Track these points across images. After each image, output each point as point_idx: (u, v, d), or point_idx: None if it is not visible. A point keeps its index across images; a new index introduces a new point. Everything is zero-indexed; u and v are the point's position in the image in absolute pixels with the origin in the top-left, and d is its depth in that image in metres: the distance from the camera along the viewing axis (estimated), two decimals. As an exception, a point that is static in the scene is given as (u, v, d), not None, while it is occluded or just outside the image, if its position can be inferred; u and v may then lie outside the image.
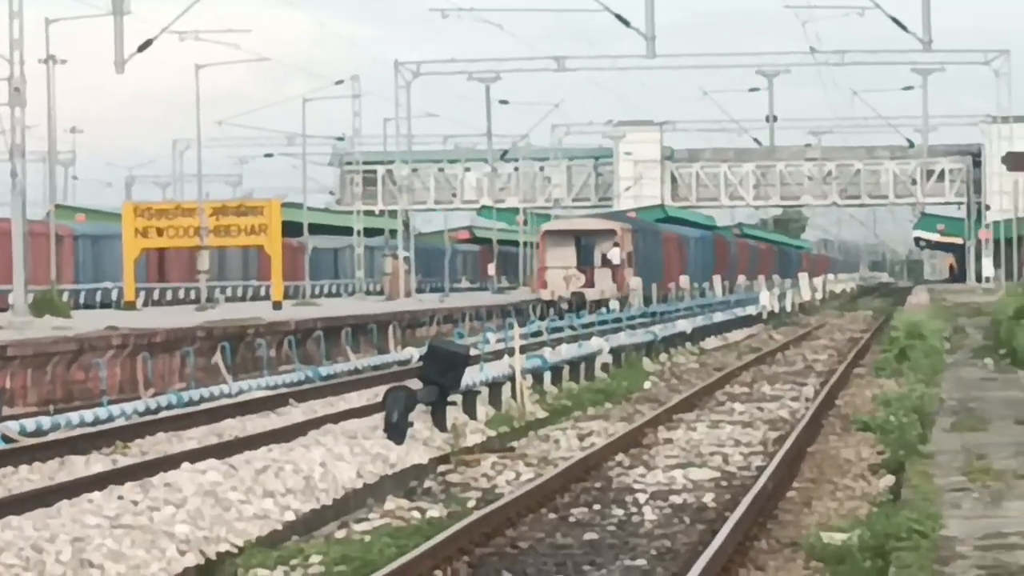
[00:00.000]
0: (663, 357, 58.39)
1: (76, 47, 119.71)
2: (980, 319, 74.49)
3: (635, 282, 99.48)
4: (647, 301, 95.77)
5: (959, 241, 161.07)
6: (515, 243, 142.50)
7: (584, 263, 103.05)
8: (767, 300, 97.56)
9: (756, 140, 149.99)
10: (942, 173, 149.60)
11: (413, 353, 53.22)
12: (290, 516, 24.69)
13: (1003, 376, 45.78)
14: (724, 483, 28.30)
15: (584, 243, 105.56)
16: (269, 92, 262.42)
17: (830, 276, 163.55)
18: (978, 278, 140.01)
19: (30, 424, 35.22)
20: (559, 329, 62.86)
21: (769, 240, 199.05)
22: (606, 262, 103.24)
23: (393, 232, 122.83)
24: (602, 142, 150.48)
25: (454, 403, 34.77)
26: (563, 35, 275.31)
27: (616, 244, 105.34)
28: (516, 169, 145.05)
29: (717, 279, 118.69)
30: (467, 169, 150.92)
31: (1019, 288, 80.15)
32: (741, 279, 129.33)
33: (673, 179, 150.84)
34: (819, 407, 39.43)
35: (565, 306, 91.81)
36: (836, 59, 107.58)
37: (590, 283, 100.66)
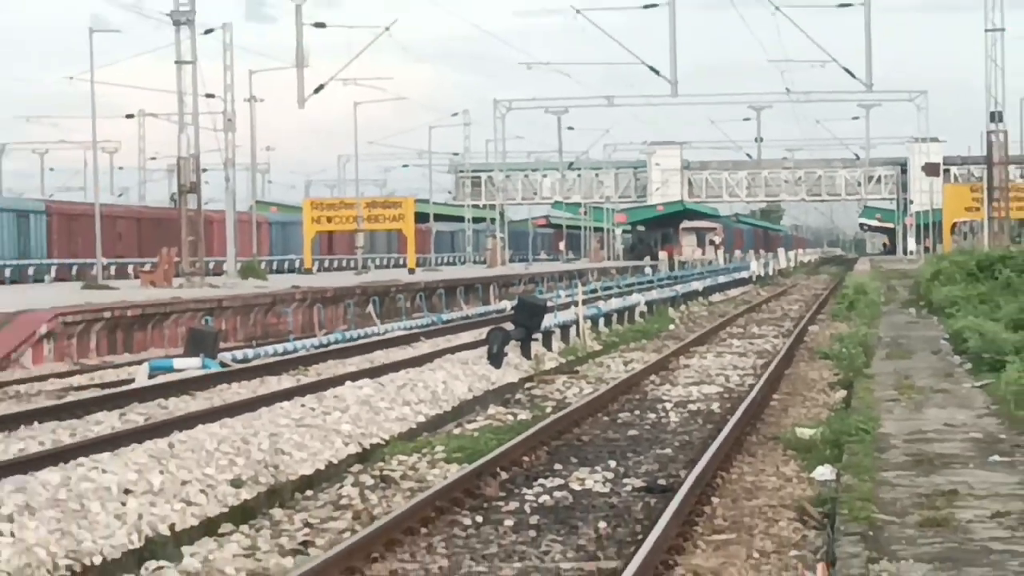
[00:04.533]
0: (682, 308, 58.16)
1: (270, 90, 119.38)
2: (906, 280, 74.07)
3: (751, 256, 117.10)
4: (673, 266, 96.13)
5: (891, 226, 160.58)
6: (578, 227, 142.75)
7: (700, 244, 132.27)
8: (756, 267, 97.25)
9: (748, 155, 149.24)
10: (879, 178, 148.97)
11: (507, 304, 53.18)
12: (421, 418, 24.72)
13: (923, 321, 45.59)
14: (726, 395, 28.18)
15: (700, 234, 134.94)
16: (405, 121, 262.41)
17: (799, 251, 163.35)
18: (904, 252, 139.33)
19: (239, 354, 35.45)
20: (609, 288, 62.73)
21: (767, 227, 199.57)
22: (711, 243, 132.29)
23: (492, 220, 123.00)
24: (639, 156, 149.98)
25: (536, 339, 34.78)
26: (612, 80, 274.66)
27: (717, 234, 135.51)
28: (579, 175, 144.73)
29: (720, 251, 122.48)
30: (544, 175, 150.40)
31: (934, 259, 79.65)
32: (737, 253, 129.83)
33: (689, 182, 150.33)
34: (793, 342, 39.27)
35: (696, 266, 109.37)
36: (804, 97, 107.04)
37: (704, 254, 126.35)
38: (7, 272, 74.16)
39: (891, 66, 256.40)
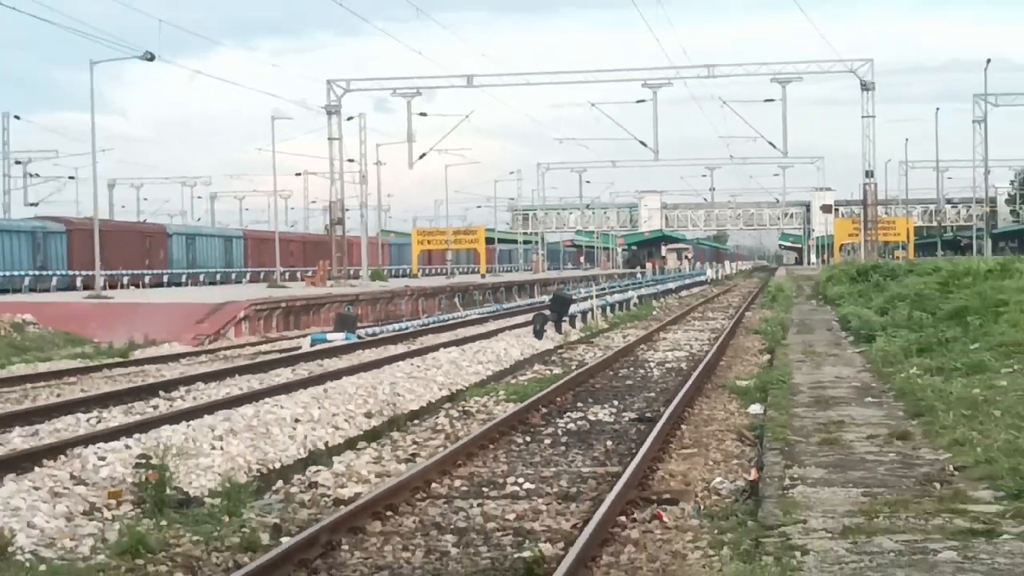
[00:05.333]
0: (661, 300, 58.07)
1: (390, 157, 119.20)
2: (809, 282, 73.83)
3: (707, 266, 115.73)
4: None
5: (800, 246, 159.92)
6: (592, 247, 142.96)
7: (679, 258, 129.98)
8: (711, 273, 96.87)
9: (704, 199, 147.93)
10: (791, 214, 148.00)
11: (546, 298, 53.26)
12: (489, 372, 24.73)
13: (820, 309, 45.43)
14: (690, 358, 28.11)
15: (679, 252, 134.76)
16: (479, 177, 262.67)
17: (739, 263, 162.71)
18: (808, 263, 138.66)
19: (370, 331, 35.57)
20: (613, 287, 62.64)
21: (717, 247, 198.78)
22: (686, 258, 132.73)
23: (536, 242, 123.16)
24: (633, 200, 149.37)
25: (565, 321, 34.82)
26: (615, 150, 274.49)
27: (689, 252, 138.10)
28: (593, 213, 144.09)
29: (687, 262, 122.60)
30: (570, 213, 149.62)
31: (828, 268, 79.39)
32: (698, 264, 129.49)
33: (666, 217, 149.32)
34: (734, 323, 39.13)
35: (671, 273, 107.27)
36: (742, 161, 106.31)
37: (680, 265, 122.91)
38: (217, 277, 74.84)
39: (800, 140, 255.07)
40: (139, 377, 24.71)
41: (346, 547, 10.45)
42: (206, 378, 22.97)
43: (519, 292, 67.55)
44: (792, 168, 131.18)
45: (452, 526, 11.36)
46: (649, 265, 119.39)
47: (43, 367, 27.32)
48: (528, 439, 16.30)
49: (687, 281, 79.09)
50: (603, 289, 56.12)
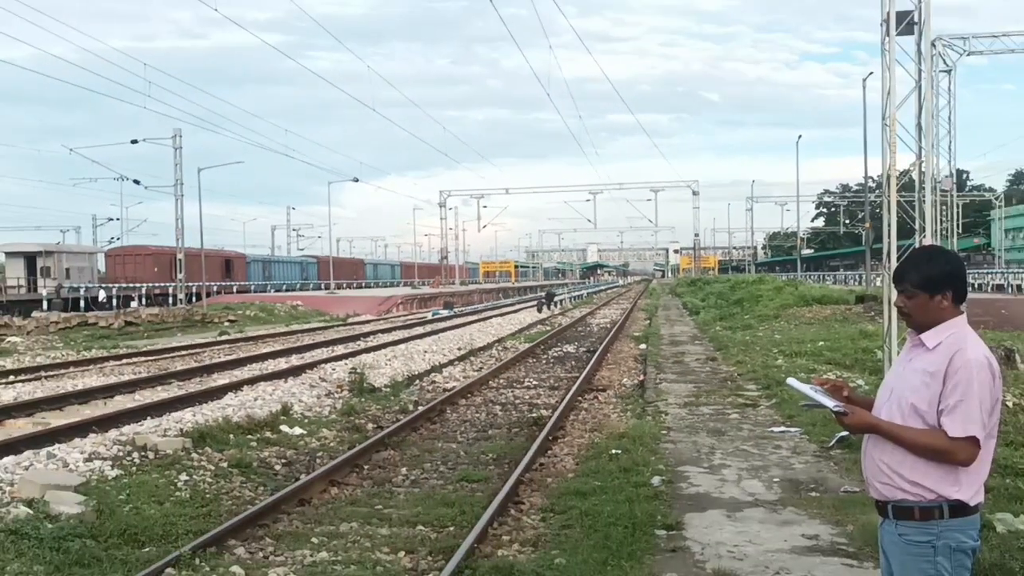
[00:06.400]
0: (598, 295, 57.24)
1: (469, 225, 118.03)
2: (668, 286, 73.00)
3: (620, 279, 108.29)
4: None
5: (664, 269, 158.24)
6: (565, 269, 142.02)
7: (608, 275, 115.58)
8: (622, 282, 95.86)
9: (618, 248, 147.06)
10: (660, 254, 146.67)
11: (543, 293, 52.90)
12: (516, 329, 24.29)
13: (675, 299, 44.87)
14: (611, 323, 27.67)
15: (608, 272, 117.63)
16: (511, 236, 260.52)
17: (637, 277, 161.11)
18: (667, 277, 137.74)
19: (460, 309, 35.27)
20: (575, 288, 62.14)
21: (626, 270, 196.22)
22: (610, 275, 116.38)
23: (539, 267, 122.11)
24: (584, 247, 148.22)
25: (554, 304, 34.46)
26: (576, 223, 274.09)
27: (613, 272, 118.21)
28: (565, 253, 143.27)
29: (611, 277, 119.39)
30: (555, 253, 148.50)
31: (676, 280, 78.56)
32: (616, 278, 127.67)
33: (600, 255, 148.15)
34: (632, 306, 38.65)
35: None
36: (637, 230, 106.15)
37: (607, 279, 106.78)
38: (388, 284, 74.92)
39: (664, 218, 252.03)
40: (351, 332, 24.69)
41: (449, 411, 10.45)
42: (382, 332, 22.93)
43: (530, 291, 67.23)
44: (660, 232, 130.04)
45: (499, 401, 11.32)
46: (592, 278, 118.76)
47: (306, 326, 27.38)
48: (535, 360, 16.16)
49: (611, 286, 78.42)
50: (570, 289, 55.77)
